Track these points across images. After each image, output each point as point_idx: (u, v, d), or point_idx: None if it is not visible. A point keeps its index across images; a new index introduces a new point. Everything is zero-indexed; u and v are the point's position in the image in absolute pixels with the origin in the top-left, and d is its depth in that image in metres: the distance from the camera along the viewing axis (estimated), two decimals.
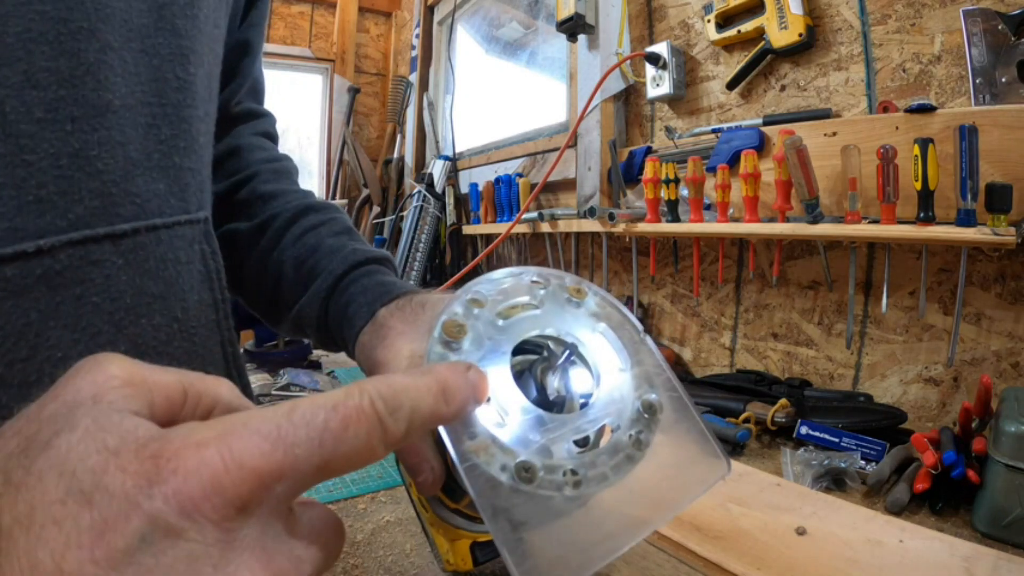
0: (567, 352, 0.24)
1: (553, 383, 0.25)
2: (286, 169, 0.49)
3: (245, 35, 0.46)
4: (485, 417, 0.21)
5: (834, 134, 0.92)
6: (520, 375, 0.24)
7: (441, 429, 0.20)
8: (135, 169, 0.30)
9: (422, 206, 1.88)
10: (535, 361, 0.26)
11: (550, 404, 0.24)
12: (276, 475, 0.16)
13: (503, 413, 0.21)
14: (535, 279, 0.25)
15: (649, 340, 0.25)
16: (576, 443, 0.22)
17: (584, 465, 0.21)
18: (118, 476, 0.14)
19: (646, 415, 0.23)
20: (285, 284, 0.44)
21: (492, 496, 0.19)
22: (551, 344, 0.25)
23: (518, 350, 0.24)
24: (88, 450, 0.15)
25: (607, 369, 0.24)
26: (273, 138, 0.53)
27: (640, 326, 0.26)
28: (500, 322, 0.23)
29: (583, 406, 0.24)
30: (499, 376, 0.22)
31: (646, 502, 0.21)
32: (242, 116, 0.49)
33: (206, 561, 0.15)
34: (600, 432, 0.23)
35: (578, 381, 0.25)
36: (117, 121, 0.29)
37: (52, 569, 0.13)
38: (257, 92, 0.51)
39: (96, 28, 0.27)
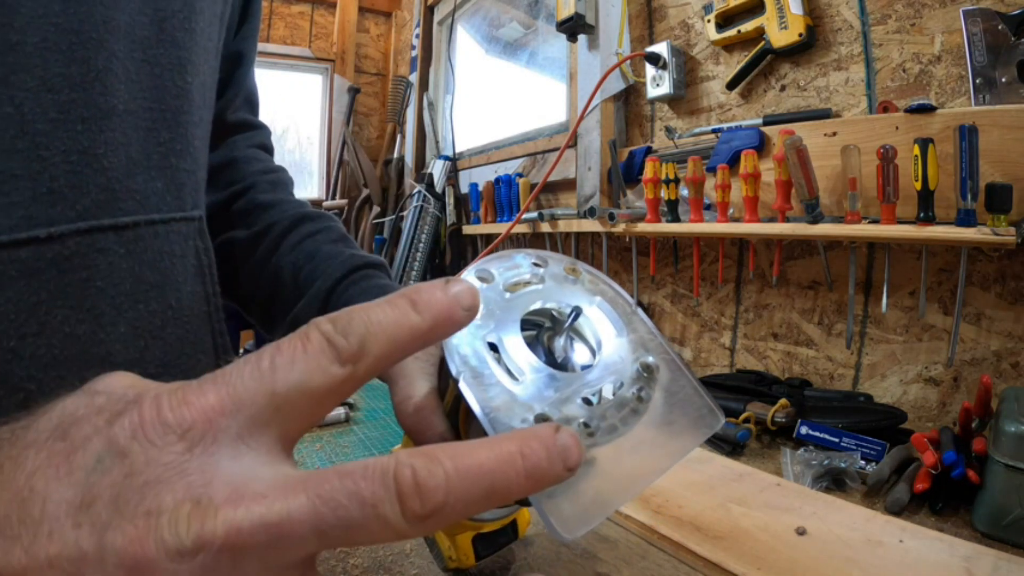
0: (573, 313, 0.27)
1: (560, 345, 0.27)
2: (282, 180, 0.52)
3: (238, 47, 0.48)
4: (501, 377, 0.22)
5: (834, 134, 0.92)
6: (529, 344, 0.25)
7: (461, 384, 0.21)
8: (136, 168, 0.32)
9: (422, 206, 1.88)
10: (541, 329, 0.28)
11: (558, 367, 0.26)
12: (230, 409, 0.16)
13: (518, 373, 0.23)
14: (535, 261, 0.28)
15: (640, 311, 0.28)
16: (583, 401, 0.24)
17: (595, 417, 0.23)
18: (93, 415, 0.16)
19: (645, 374, 0.25)
20: (283, 290, 0.45)
21: None
22: (555, 314, 0.28)
23: (522, 327, 0.26)
24: (78, 405, 0.17)
25: (606, 336, 0.27)
26: (269, 150, 0.55)
27: (632, 300, 0.28)
28: (507, 295, 0.26)
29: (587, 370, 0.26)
30: (512, 340, 0.24)
31: (650, 452, 0.23)
32: (238, 127, 0.51)
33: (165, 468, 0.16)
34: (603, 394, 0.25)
35: (581, 351, 0.27)
36: (120, 124, 0.31)
37: (22, 485, 0.15)
38: (252, 104, 0.53)
39: (104, 38, 0.30)
